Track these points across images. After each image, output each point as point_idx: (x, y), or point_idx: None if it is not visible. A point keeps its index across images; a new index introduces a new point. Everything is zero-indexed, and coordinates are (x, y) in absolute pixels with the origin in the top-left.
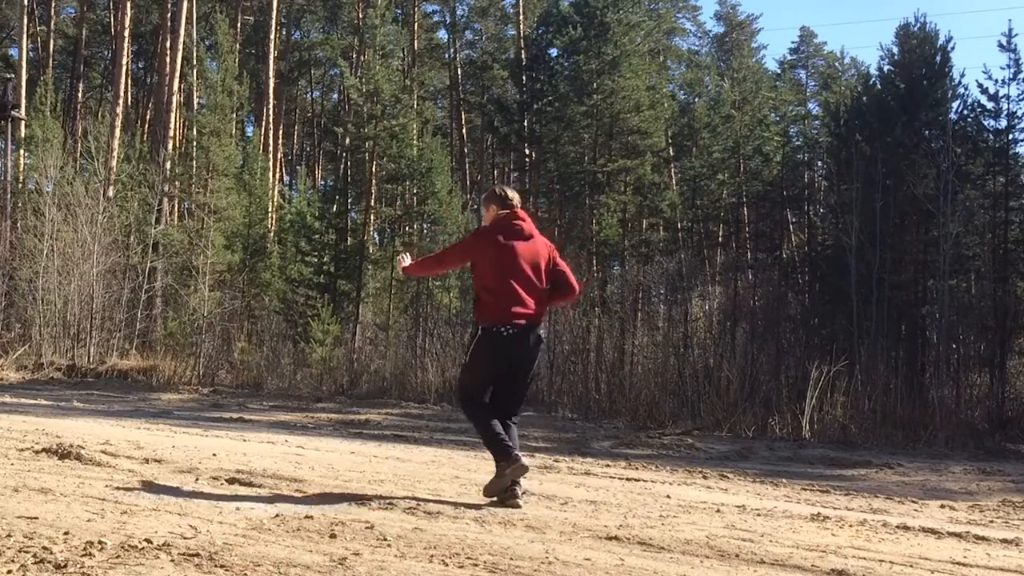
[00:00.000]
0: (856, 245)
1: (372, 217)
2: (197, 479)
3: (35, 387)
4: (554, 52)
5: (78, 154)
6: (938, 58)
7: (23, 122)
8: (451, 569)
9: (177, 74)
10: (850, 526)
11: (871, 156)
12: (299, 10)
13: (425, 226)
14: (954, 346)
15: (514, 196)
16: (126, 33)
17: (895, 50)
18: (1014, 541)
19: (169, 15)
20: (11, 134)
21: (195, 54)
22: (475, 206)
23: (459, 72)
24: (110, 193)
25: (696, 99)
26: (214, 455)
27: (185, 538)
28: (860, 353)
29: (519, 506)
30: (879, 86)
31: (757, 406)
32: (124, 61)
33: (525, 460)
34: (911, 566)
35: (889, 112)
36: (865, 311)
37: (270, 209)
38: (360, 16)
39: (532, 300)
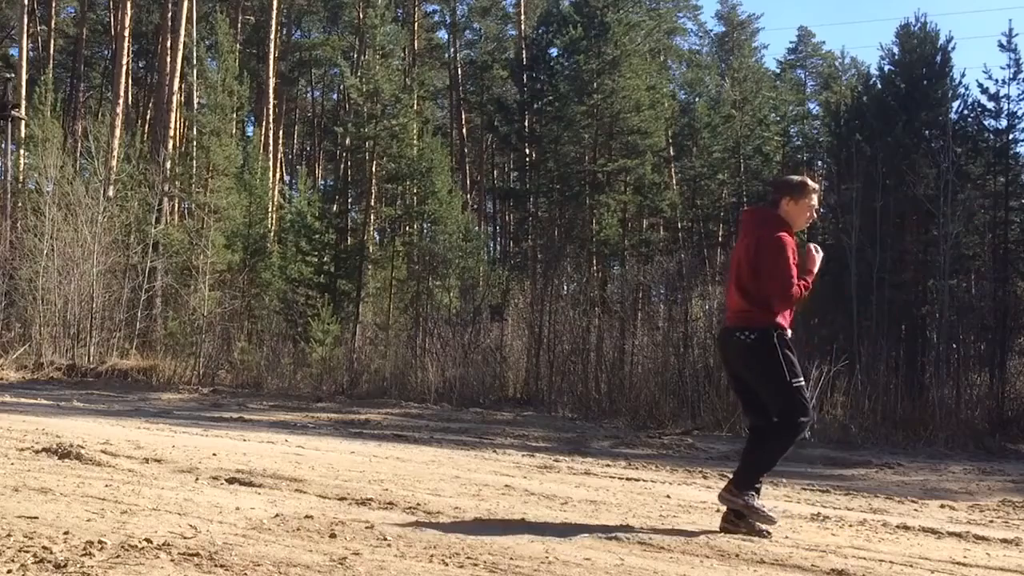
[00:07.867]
0: (856, 245)
1: (372, 217)
2: (197, 479)
3: (35, 387)
4: (554, 52)
5: (78, 154)
6: (938, 58)
7: (23, 122)
8: (451, 569)
9: (177, 74)
10: (850, 526)
11: (871, 156)
12: (299, 10)
13: (425, 226)
14: (954, 346)
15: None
16: (126, 33)
17: (895, 50)
18: (1014, 541)
19: (169, 15)
20: (11, 134)
21: (195, 54)
22: (475, 206)
23: (459, 72)
24: (110, 193)
25: (696, 99)
26: (214, 455)
27: (185, 538)
28: (860, 353)
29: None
30: (879, 86)
31: None
32: (124, 61)
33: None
34: (911, 566)
35: (889, 112)
36: (865, 311)
37: (270, 209)
38: (360, 16)
39: (730, 301)
